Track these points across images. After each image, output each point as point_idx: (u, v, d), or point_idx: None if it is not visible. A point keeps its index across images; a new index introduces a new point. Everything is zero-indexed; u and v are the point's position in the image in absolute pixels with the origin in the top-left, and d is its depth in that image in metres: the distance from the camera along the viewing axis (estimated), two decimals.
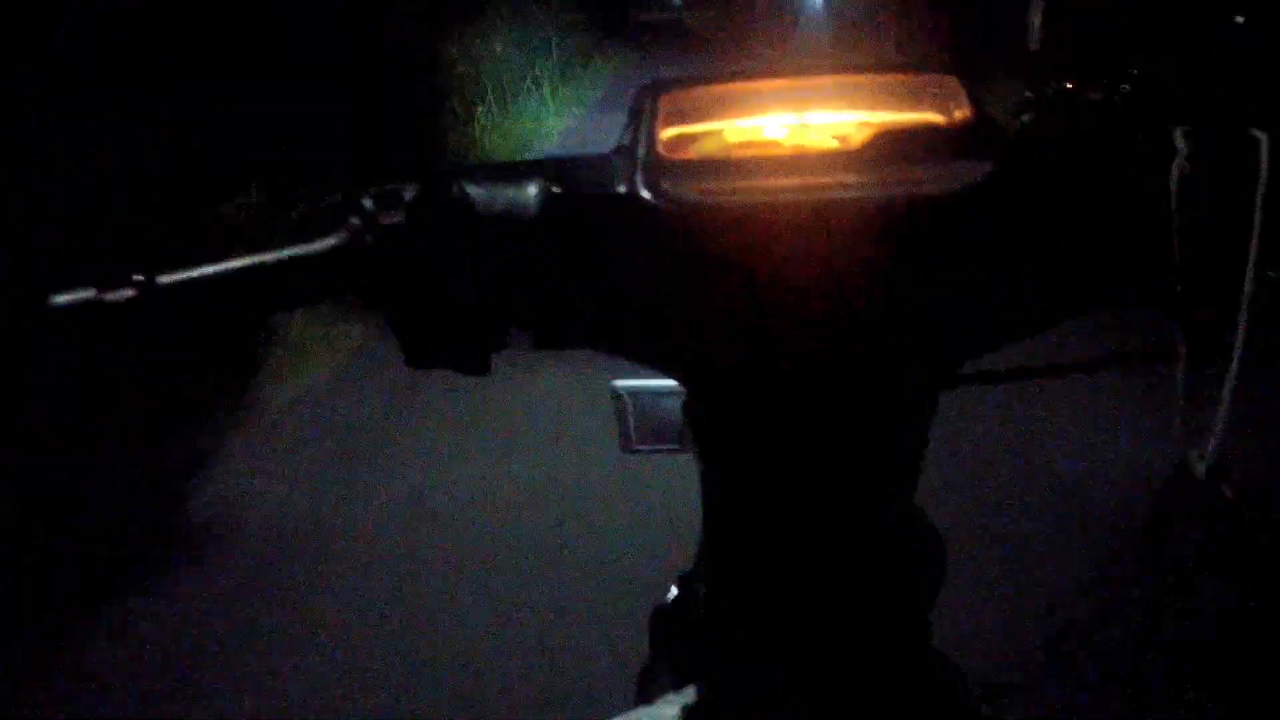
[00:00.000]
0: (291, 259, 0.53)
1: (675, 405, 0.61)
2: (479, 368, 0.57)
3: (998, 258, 0.53)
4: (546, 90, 10.59)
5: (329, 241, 0.53)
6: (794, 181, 0.52)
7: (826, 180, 0.52)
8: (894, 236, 0.51)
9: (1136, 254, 0.53)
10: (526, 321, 0.56)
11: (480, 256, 0.54)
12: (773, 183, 0.52)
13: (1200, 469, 0.44)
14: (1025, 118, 0.55)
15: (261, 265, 0.53)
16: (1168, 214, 0.49)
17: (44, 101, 2.96)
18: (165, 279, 0.52)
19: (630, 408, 0.68)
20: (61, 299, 0.51)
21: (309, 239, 0.53)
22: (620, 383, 0.67)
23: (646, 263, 0.53)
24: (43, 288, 0.52)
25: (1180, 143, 0.49)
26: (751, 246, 0.51)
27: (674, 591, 0.65)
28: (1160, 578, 0.47)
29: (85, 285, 0.52)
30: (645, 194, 0.52)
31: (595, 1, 15.67)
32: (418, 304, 0.55)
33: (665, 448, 0.68)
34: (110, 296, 0.51)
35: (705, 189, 0.52)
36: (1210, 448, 0.44)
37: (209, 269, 0.52)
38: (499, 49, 9.67)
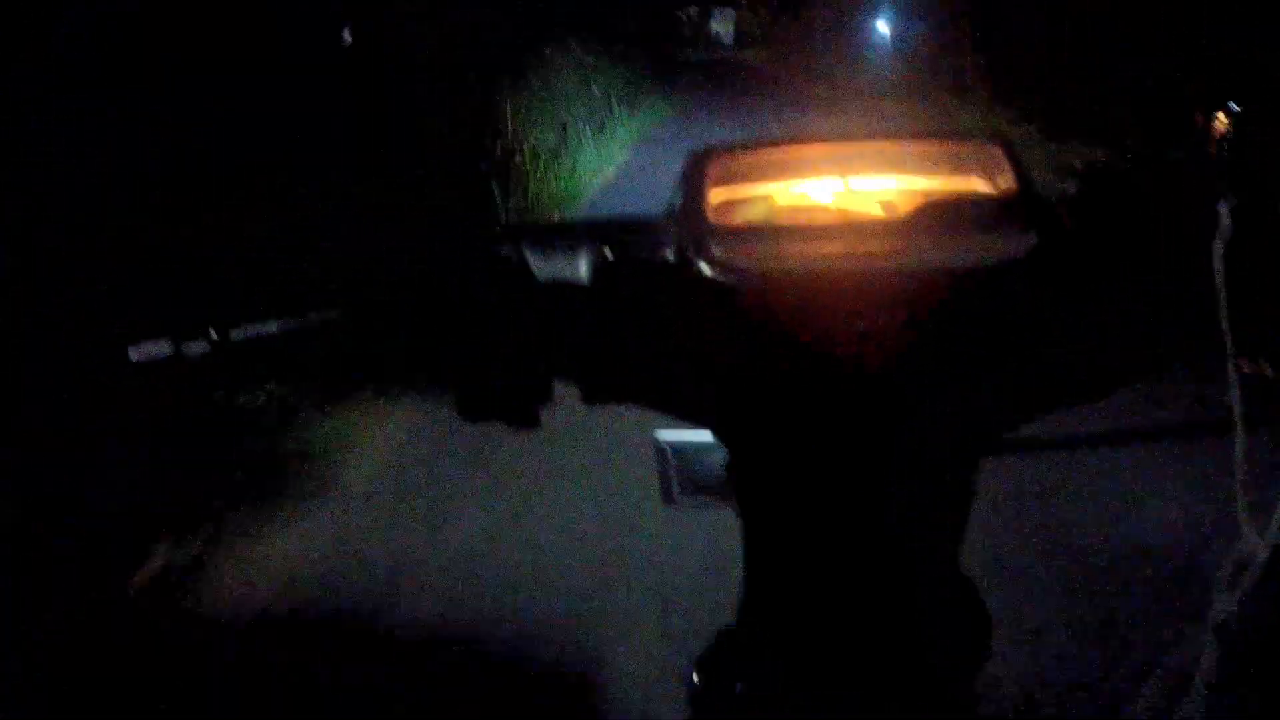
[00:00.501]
0: (356, 317, 0.55)
1: (718, 459, 0.62)
2: (527, 420, 0.59)
3: (1041, 327, 0.54)
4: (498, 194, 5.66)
5: (390, 300, 0.55)
6: (841, 250, 0.53)
7: (873, 249, 0.53)
8: (938, 306, 0.52)
9: (1183, 325, 0.54)
10: (576, 378, 0.58)
11: (534, 318, 0.55)
12: (821, 251, 0.53)
13: (1261, 541, 0.44)
14: (1070, 189, 0.57)
15: (327, 322, 0.54)
16: (1213, 286, 0.50)
17: (44, 101, 2.94)
18: (238, 334, 0.53)
19: (673, 460, 0.68)
20: (138, 352, 0.52)
21: (370, 298, 0.55)
22: (663, 434, 0.68)
23: (697, 327, 0.54)
24: (119, 339, 0.53)
25: (1225, 218, 0.50)
26: (800, 313, 0.52)
27: (713, 646, 0.65)
28: (1213, 655, 0.46)
29: (160, 338, 0.53)
30: (696, 261, 0.53)
31: (624, 40, 11.78)
32: (471, 360, 0.56)
33: (707, 502, 0.68)
34: (186, 350, 0.53)
35: (754, 256, 0.53)
36: (1274, 521, 0.44)
37: (281, 324, 0.54)
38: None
